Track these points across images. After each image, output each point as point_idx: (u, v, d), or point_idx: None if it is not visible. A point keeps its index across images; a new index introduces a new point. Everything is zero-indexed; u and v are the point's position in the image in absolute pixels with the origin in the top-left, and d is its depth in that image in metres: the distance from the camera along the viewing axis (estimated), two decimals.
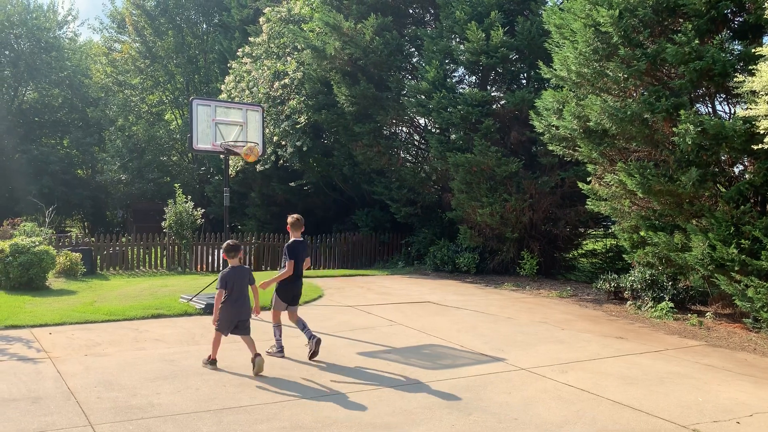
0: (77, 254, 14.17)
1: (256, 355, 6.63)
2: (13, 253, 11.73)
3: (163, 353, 7.39)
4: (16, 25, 29.85)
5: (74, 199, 29.44)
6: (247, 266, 7.30)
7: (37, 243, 12.27)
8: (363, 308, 10.54)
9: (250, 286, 6.92)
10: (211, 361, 6.88)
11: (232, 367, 6.83)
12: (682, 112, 8.83)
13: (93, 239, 16.54)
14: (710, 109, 10.24)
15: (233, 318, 6.77)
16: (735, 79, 8.40)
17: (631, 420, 5.50)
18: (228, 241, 7.14)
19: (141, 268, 16.54)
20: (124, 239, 16.88)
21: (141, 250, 16.74)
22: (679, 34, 8.93)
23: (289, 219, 7.65)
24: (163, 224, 16.76)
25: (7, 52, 30.22)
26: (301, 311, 10.19)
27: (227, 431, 5.04)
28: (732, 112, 10.04)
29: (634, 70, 9.49)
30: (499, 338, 8.52)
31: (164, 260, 16.85)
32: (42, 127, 32.00)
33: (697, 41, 8.90)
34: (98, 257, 15.87)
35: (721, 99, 10.17)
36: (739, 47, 9.33)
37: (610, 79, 9.97)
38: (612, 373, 6.94)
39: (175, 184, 18.66)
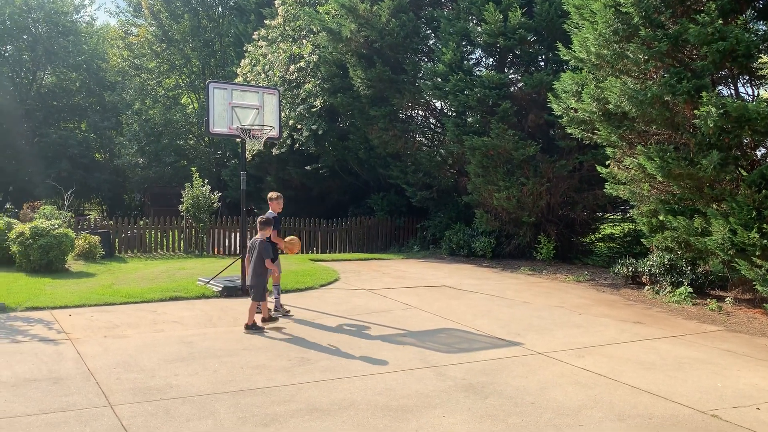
0: (96, 237, 14.31)
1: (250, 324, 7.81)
2: (33, 236, 11.87)
3: (181, 335, 7.46)
4: (34, 9, 30.00)
5: (92, 183, 29.72)
6: (260, 239, 7.92)
7: (56, 226, 12.40)
8: (379, 292, 10.55)
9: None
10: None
11: (251, 347, 6.88)
12: (703, 94, 8.66)
13: (111, 222, 16.69)
14: (733, 91, 10.04)
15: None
16: (759, 60, 8.23)
17: (649, 405, 5.47)
18: (261, 215, 8.26)
19: (159, 251, 16.67)
20: (141, 222, 17.01)
21: (159, 234, 16.87)
22: (702, 14, 8.73)
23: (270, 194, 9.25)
24: (180, 208, 16.87)
25: (25, 36, 30.40)
26: (317, 294, 10.28)
27: (244, 413, 5.08)
28: (755, 94, 9.84)
29: (655, 51, 9.31)
30: (515, 322, 8.49)
31: (181, 243, 16.97)
32: (60, 111, 32.25)
33: (720, 21, 8.71)
34: (116, 240, 16.02)
35: (745, 80, 9.97)
36: (764, 27, 9.13)
37: (631, 61, 9.80)
38: (629, 358, 6.90)
39: (192, 168, 18.76)
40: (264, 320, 7.97)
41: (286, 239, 8.85)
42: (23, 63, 30.97)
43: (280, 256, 9.21)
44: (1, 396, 5.30)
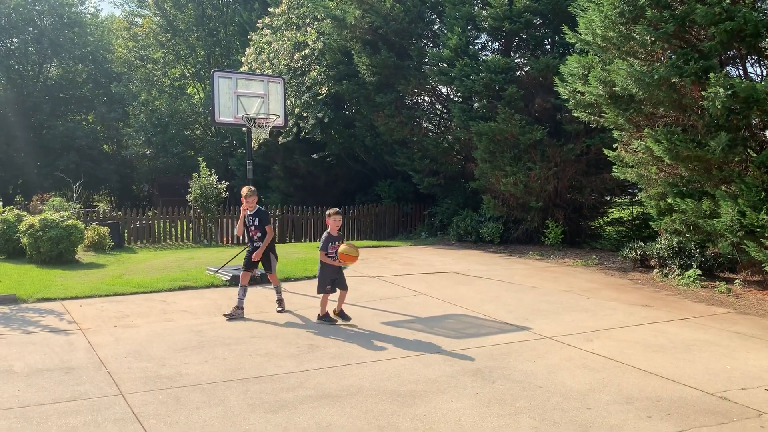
0: (105, 228, 14.40)
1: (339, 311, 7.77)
2: (43, 228, 11.95)
3: (190, 324, 7.52)
4: (39, 1, 30.05)
5: (100, 174, 29.86)
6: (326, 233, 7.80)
7: (65, 218, 12.49)
8: (387, 279, 10.57)
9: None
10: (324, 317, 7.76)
11: (260, 335, 6.93)
12: (711, 75, 8.58)
13: (120, 213, 16.79)
14: (741, 72, 9.94)
15: None
16: None
17: (658, 387, 5.47)
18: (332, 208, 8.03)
19: (167, 241, 16.76)
20: (150, 213, 17.09)
21: (167, 224, 16.95)
22: None
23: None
24: (188, 198, 16.94)
25: (30, 29, 30.45)
26: None
27: (254, 400, 5.13)
28: (764, 74, 9.73)
29: (662, 32, 9.22)
30: (523, 307, 8.50)
31: (190, 233, 17.05)
32: (67, 103, 32.35)
33: (728, 1, 8.60)
34: (125, 231, 16.10)
35: (753, 61, 9.87)
36: None
37: (637, 43, 9.70)
38: (638, 341, 6.90)
39: (199, 158, 18.81)
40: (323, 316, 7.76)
41: (341, 247, 7.60)
42: (29, 55, 31.05)
43: (277, 245, 8.61)
44: (14, 386, 5.37)
